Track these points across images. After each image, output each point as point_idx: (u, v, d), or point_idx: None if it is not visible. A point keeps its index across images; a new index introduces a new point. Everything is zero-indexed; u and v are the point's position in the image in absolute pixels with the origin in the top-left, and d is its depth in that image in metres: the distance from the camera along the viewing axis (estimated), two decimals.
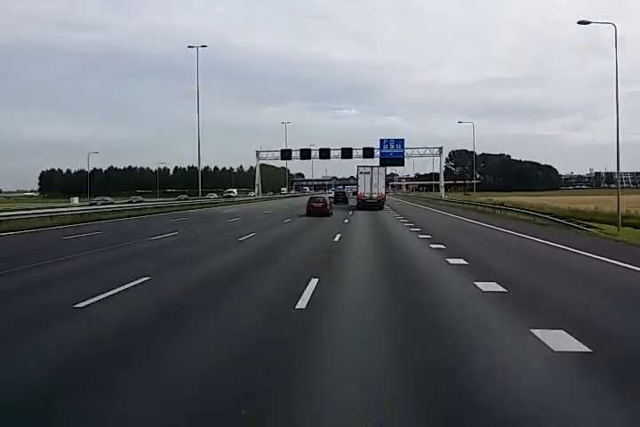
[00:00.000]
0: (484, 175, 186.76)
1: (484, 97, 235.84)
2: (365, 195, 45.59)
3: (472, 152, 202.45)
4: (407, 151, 72.52)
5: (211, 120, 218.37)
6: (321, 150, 73.63)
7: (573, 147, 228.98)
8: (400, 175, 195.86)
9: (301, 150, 75.27)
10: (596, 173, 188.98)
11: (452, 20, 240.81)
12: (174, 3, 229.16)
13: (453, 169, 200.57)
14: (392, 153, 69.18)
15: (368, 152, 69.92)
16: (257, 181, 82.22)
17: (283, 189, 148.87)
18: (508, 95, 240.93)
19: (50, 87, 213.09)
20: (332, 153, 72.94)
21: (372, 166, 48.59)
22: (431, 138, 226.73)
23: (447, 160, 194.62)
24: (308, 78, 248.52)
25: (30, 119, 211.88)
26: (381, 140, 69.89)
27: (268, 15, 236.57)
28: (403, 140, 70.37)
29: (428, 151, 77.25)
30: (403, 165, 76.64)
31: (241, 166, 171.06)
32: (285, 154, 76.11)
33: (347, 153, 71.62)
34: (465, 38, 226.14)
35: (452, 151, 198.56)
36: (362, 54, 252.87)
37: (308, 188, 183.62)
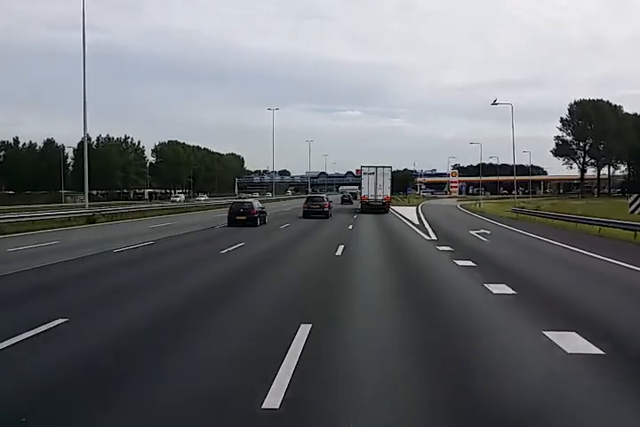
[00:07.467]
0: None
1: (489, 98, 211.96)
2: (370, 197, 42.45)
3: (617, 106, 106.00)
4: None
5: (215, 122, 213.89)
6: None
7: None
8: (422, 170, 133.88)
9: None
10: None
11: (455, 21, 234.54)
12: (177, 5, 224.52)
13: (572, 144, 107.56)
14: None
15: None
16: None
17: (202, 195, 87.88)
18: (511, 97, 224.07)
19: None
20: None
21: (376, 166, 43.09)
22: (434, 140, 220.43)
23: (562, 123, 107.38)
24: (310, 80, 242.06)
25: None
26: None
27: (270, 17, 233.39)
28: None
29: None
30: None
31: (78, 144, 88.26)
32: None
33: None
34: (469, 39, 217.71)
35: (574, 103, 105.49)
36: (365, 56, 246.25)
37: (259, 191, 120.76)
